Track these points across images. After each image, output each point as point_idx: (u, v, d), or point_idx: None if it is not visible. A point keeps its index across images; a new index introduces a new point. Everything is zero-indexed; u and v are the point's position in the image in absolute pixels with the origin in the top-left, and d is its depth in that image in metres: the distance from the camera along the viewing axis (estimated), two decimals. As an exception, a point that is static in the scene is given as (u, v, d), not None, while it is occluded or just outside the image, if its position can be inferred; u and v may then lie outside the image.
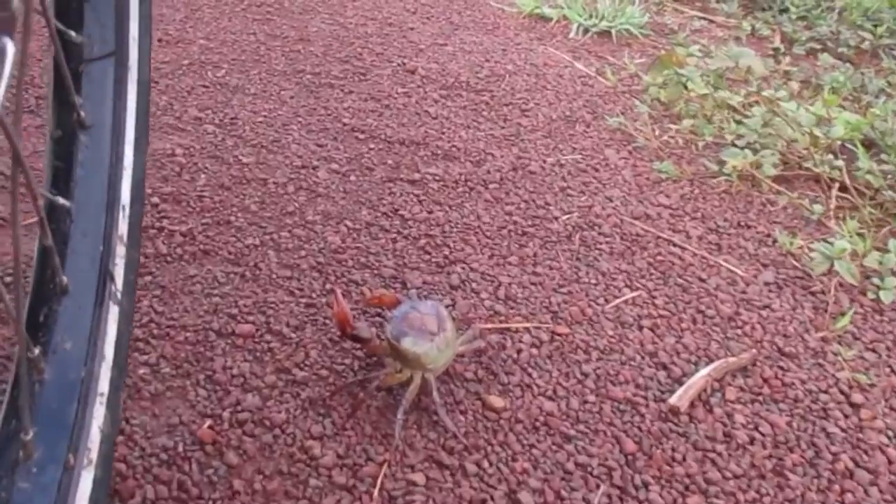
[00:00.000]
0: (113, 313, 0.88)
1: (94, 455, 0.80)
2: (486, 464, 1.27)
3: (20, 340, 0.73)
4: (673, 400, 1.44)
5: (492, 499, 1.21)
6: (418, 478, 1.22)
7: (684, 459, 1.33)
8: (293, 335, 1.45)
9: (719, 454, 1.35)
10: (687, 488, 1.28)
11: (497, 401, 1.37)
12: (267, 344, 1.42)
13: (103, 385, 0.84)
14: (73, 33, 0.92)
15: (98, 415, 0.82)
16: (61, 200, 0.88)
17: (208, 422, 1.26)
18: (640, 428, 1.38)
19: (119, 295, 0.90)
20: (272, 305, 1.51)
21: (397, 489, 1.21)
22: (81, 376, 0.81)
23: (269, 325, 1.46)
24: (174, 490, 1.15)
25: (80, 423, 0.79)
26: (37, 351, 0.79)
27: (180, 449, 1.22)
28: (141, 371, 1.34)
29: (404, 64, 2.52)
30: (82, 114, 0.92)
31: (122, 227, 0.93)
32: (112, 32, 0.98)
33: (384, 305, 1.48)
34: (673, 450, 1.35)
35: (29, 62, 0.95)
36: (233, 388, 1.33)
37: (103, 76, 0.97)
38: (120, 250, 0.92)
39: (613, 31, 2.88)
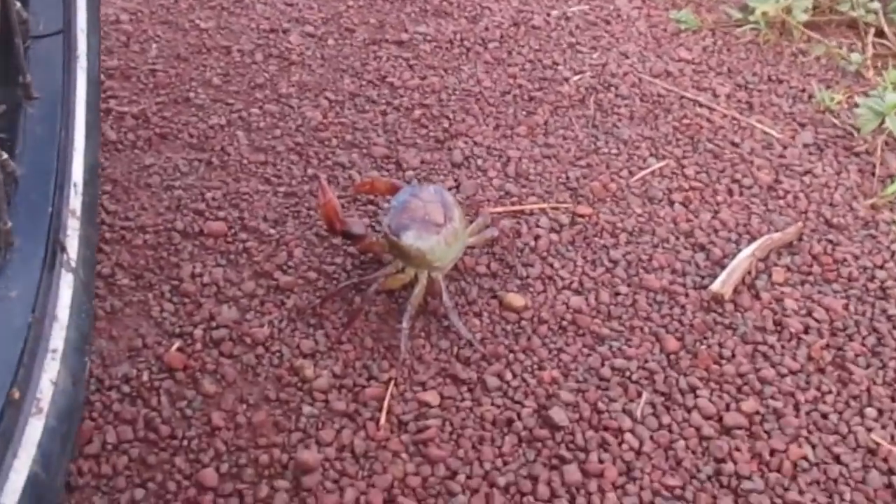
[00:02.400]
0: (66, 280, 0.89)
1: (44, 405, 0.79)
2: (508, 375, 1.08)
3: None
4: (715, 287, 1.25)
5: (519, 417, 1.03)
6: (431, 397, 1.04)
7: (733, 356, 1.15)
8: (272, 232, 1.23)
9: (772, 347, 1.17)
10: (739, 390, 1.11)
11: (516, 299, 1.18)
12: (242, 244, 1.21)
13: (56, 342, 0.84)
14: (18, 4, 0.94)
15: (49, 368, 0.82)
16: (6, 156, 0.87)
17: (177, 343, 1.06)
18: (680, 322, 1.19)
19: (73, 264, 0.91)
20: (245, 197, 1.28)
21: (408, 413, 1.02)
22: (28, 323, 0.80)
23: (244, 220, 1.24)
24: (140, 430, 0.96)
25: (27, 370, 0.79)
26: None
27: (145, 378, 1.02)
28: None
29: None
30: (28, 78, 0.94)
31: (75, 202, 0.95)
32: (60, 13, 1.05)
33: (377, 193, 1.26)
34: (720, 345, 1.17)
35: None
36: (204, 299, 1.12)
37: (50, 54, 1.02)
38: (73, 223, 0.94)
39: None
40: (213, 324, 1.09)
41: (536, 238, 1.29)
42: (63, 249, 0.90)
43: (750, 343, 1.18)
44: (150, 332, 1.07)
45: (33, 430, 0.77)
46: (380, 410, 1.02)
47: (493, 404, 1.04)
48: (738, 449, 1.04)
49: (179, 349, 1.05)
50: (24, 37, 0.95)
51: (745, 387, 1.12)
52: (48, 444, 0.78)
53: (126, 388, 1.00)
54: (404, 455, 0.97)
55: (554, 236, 1.30)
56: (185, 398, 1.00)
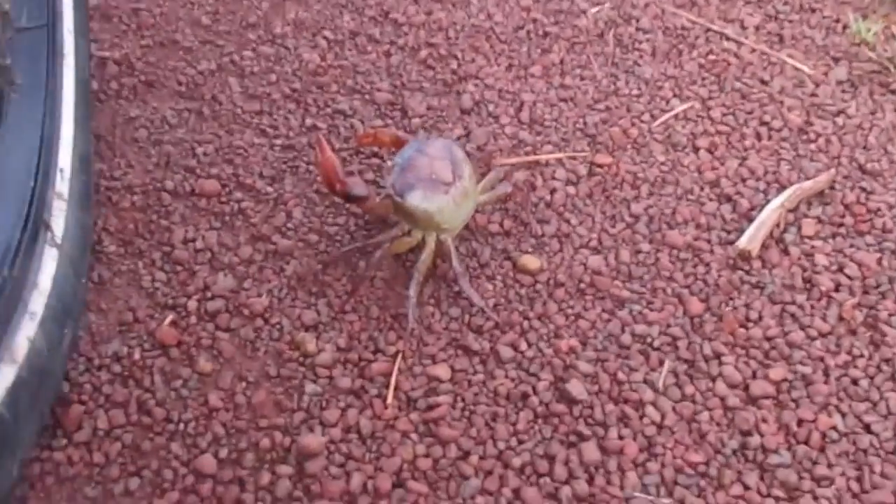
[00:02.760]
0: (50, 254, 0.95)
1: (18, 357, 0.86)
2: (523, 345, 1.05)
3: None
4: (742, 243, 1.21)
5: (535, 391, 1.01)
6: (441, 371, 1.01)
7: (760, 318, 1.12)
8: (269, 189, 1.19)
9: (801, 307, 1.14)
10: (767, 355, 1.08)
11: (531, 260, 1.14)
12: (237, 204, 1.17)
13: (35, 306, 0.90)
14: (1, -1, 1.00)
15: (26, 328, 0.88)
16: None
17: (170, 316, 1.03)
18: (705, 281, 1.15)
19: (58, 240, 0.96)
20: (239, 151, 1.24)
21: (416, 388, 1.00)
22: (2, 280, 0.86)
23: (238, 177, 1.20)
24: (133, 413, 0.94)
25: (4, 323, 0.86)
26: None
27: (137, 356, 0.99)
28: (81, 250, 1.10)
29: None
30: (9, 61, 0.98)
31: (62, 187, 1.01)
32: (44, 9, 1.11)
33: (382, 146, 1.22)
34: (747, 307, 1.13)
35: None
36: (198, 267, 1.09)
37: (34, 47, 1.07)
38: (59, 205, 0.99)
39: None
40: (209, 294, 1.06)
41: (552, 192, 1.25)
42: (47, 227, 0.95)
43: (778, 303, 1.15)
44: (141, 304, 1.04)
45: (5, 375, 0.84)
46: (387, 387, 0.99)
47: (507, 377, 1.02)
48: (764, 420, 1.01)
49: (173, 323, 1.02)
50: (5, 26, 0.99)
51: (773, 352, 1.09)
52: (16, 392, 0.84)
53: (117, 368, 0.98)
54: (414, 435, 0.95)
55: (571, 189, 1.26)
56: (181, 377, 0.98)
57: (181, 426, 0.94)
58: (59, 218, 0.98)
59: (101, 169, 1.18)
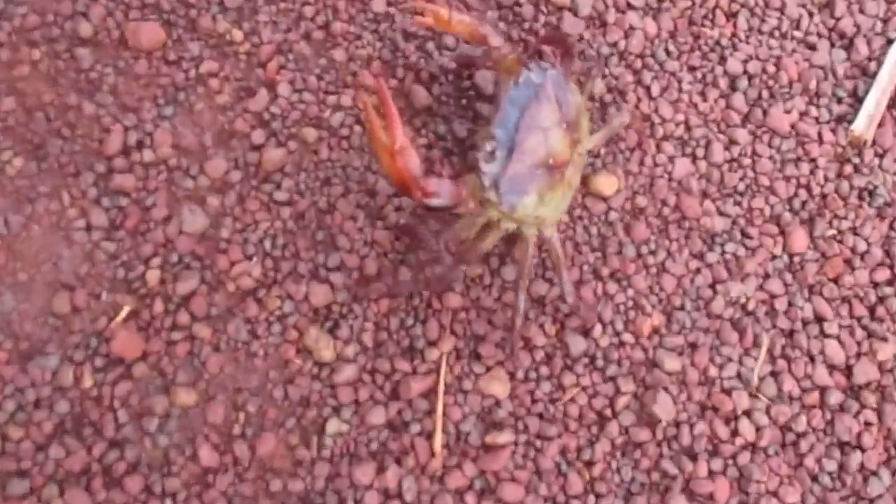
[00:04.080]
0: None
1: None
2: (597, 329, 0.79)
3: None
4: (859, 127, 0.92)
5: (613, 411, 0.78)
6: (498, 386, 0.76)
7: (868, 250, 0.89)
8: (237, 35, 0.79)
9: (911, 223, 0.90)
10: (873, 314, 0.86)
11: (606, 183, 0.83)
12: (193, 66, 0.77)
13: None
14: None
15: None
16: None
17: (127, 304, 0.70)
18: (809, 191, 0.89)
19: None
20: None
21: (468, 416, 0.75)
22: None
23: (188, 9, 0.78)
24: (99, 490, 0.66)
25: None
26: None
27: (88, 383, 0.68)
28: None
29: None
30: None
31: None
32: None
33: (451, 33, 0.78)
34: (854, 232, 0.89)
35: None
36: (150, 196, 0.73)
37: None
38: None
39: None
40: (174, 256, 0.72)
41: (627, 33, 0.89)
42: None
43: (886, 218, 0.90)
44: (77, 274, 0.70)
45: None
46: (431, 414, 0.73)
47: (578, 384, 0.77)
48: (867, 424, 0.83)
49: (131, 315, 0.70)
50: None
51: (880, 307, 0.87)
52: None
53: (63, 405, 0.67)
54: (470, 497, 0.73)
55: (651, 26, 0.89)
56: (154, 413, 0.69)
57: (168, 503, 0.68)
58: None
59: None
